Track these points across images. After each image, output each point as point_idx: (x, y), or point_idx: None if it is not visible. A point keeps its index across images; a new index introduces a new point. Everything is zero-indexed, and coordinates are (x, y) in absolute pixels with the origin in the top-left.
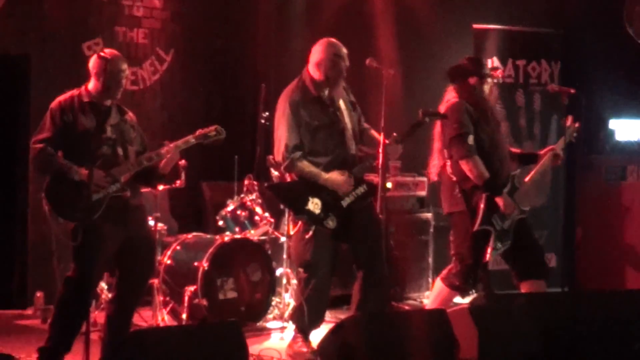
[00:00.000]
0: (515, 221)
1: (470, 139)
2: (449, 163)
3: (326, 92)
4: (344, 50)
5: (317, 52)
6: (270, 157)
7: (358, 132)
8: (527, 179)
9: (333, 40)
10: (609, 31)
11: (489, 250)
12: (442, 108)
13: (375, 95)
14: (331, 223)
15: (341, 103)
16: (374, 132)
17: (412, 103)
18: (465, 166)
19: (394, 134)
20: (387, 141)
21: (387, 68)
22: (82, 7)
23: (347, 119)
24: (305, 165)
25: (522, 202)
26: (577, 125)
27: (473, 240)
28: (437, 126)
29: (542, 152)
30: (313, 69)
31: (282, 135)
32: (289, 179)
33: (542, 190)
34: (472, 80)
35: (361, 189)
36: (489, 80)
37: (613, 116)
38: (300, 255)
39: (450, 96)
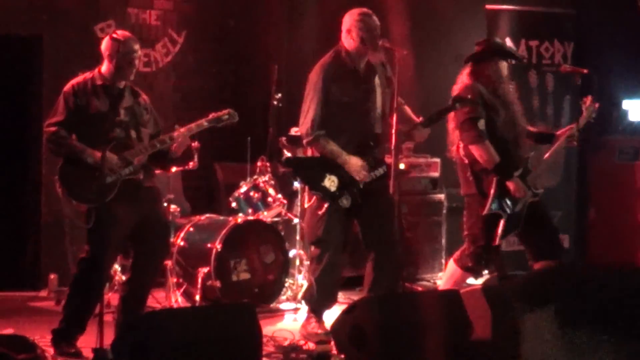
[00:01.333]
0: (528, 204)
1: (481, 124)
2: (461, 145)
3: (362, 63)
4: (370, 13)
5: (345, 21)
6: (283, 138)
7: (389, 109)
8: (543, 158)
9: (359, 8)
10: (622, 11)
11: (498, 234)
12: (456, 89)
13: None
14: (345, 202)
15: (376, 80)
16: (407, 109)
17: (425, 83)
18: (475, 151)
19: (420, 118)
20: (414, 117)
21: (400, 48)
22: None
23: (378, 97)
24: (328, 144)
25: (535, 184)
26: (597, 105)
27: (485, 222)
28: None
29: (559, 132)
30: (346, 40)
31: (310, 108)
32: (308, 153)
33: (554, 171)
34: (487, 62)
35: (380, 170)
36: (505, 62)
37: (626, 96)
38: (312, 231)
39: (464, 78)
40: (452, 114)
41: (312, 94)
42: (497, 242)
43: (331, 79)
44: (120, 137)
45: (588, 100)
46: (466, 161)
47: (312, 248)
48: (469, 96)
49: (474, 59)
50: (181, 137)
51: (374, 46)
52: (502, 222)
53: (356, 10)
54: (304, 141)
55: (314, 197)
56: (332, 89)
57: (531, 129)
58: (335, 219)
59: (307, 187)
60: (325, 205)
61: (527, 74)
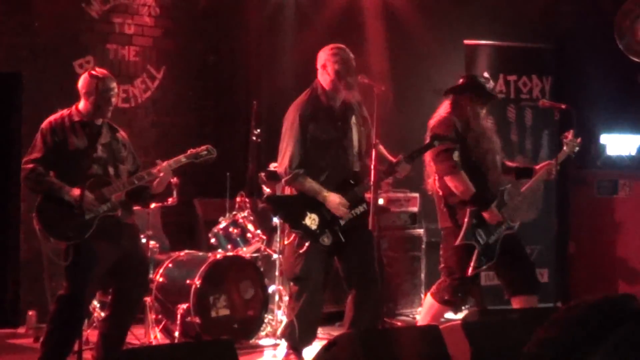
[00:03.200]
0: (502, 236)
1: (456, 155)
2: (436, 177)
3: (339, 101)
4: (346, 49)
5: (320, 58)
6: (263, 174)
7: (366, 148)
8: (520, 191)
9: (341, 45)
10: (600, 46)
11: (471, 265)
12: (432, 122)
13: (366, 112)
14: (326, 240)
15: (352, 118)
16: (383, 149)
17: (404, 118)
18: (450, 182)
19: (400, 156)
20: (390, 157)
21: (379, 84)
22: (73, 25)
23: (355, 135)
24: (307, 181)
25: (512, 216)
26: (579, 140)
27: (460, 253)
28: (426, 139)
29: (537, 166)
30: (322, 76)
31: (287, 147)
32: (287, 192)
33: (532, 204)
34: (466, 97)
35: (361, 208)
36: (485, 99)
37: (604, 131)
38: (291, 269)
39: (441, 110)
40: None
41: (289, 133)
42: (470, 272)
43: (308, 117)
44: (98, 174)
45: (569, 134)
46: (441, 193)
47: (291, 285)
48: (444, 129)
49: (454, 92)
50: (161, 173)
51: (350, 79)
52: (475, 253)
53: (329, 45)
54: (283, 180)
55: (294, 235)
56: (309, 127)
57: (510, 163)
58: (315, 257)
59: (287, 225)
60: (307, 244)
61: (506, 108)
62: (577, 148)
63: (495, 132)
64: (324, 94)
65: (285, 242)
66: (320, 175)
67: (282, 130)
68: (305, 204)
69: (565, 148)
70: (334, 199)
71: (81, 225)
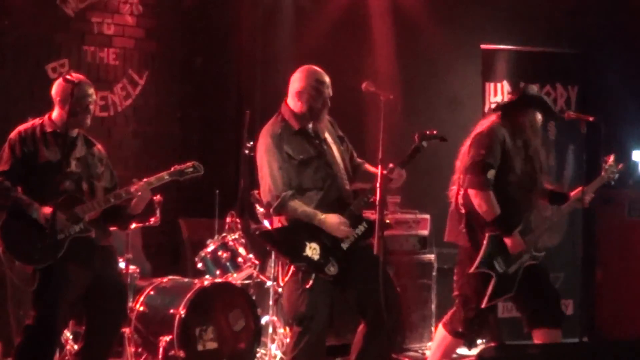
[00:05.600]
0: (525, 267)
1: (491, 173)
2: (461, 192)
3: (310, 125)
4: (327, 78)
5: (296, 81)
6: (256, 191)
7: (350, 167)
8: (546, 216)
9: (314, 67)
10: (631, 51)
11: (486, 295)
12: (478, 127)
13: (372, 123)
14: (332, 269)
15: (327, 136)
16: (369, 167)
17: (414, 131)
18: (474, 198)
19: (391, 164)
20: (385, 172)
21: (386, 92)
22: (47, 25)
23: (336, 152)
24: (298, 205)
25: (537, 245)
26: (620, 166)
27: (476, 282)
28: (466, 144)
29: (572, 193)
30: (293, 101)
31: (267, 173)
32: (278, 224)
33: (556, 228)
34: (524, 111)
35: (361, 228)
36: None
37: (637, 146)
38: (294, 307)
39: (492, 117)
40: (465, 151)
41: (266, 158)
42: (484, 304)
43: (280, 137)
44: (71, 191)
45: (610, 158)
46: (463, 211)
47: (294, 325)
48: (487, 142)
49: (506, 108)
50: (141, 191)
51: (320, 118)
52: (492, 283)
53: (313, 74)
54: (271, 210)
55: (293, 269)
56: (284, 148)
57: (547, 186)
58: (320, 292)
59: (288, 261)
60: (312, 279)
61: None
62: (616, 175)
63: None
64: (294, 117)
65: (285, 278)
66: (309, 199)
67: (257, 161)
68: (303, 233)
69: (603, 173)
70: (332, 220)
71: (50, 247)
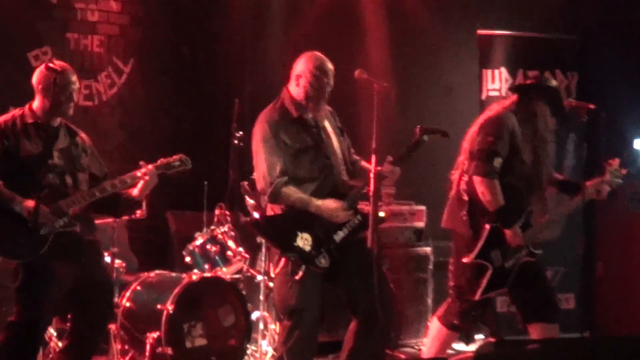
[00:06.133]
0: (521, 263)
1: (497, 161)
2: (465, 178)
3: (309, 113)
4: (329, 66)
5: (298, 65)
6: (245, 183)
7: (348, 160)
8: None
9: (317, 53)
10: (631, 38)
11: (481, 287)
12: (486, 114)
13: (365, 112)
14: (323, 261)
15: (327, 126)
16: (365, 164)
17: (409, 120)
18: (478, 185)
19: (389, 157)
20: (379, 167)
21: (380, 80)
22: (28, 11)
23: (335, 142)
24: (293, 192)
25: (534, 241)
26: (624, 171)
27: (471, 272)
28: (474, 127)
29: (588, 183)
30: (293, 86)
31: (262, 159)
32: (271, 212)
33: (556, 222)
34: (539, 99)
35: (355, 220)
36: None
37: (638, 135)
38: (284, 300)
39: (501, 105)
40: (474, 135)
41: (262, 144)
42: (477, 296)
43: (277, 124)
44: (54, 184)
45: (615, 162)
46: (465, 198)
47: (284, 319)
48: (499, 127)
49: (523, 90)
50: (147, 177)
51: (317, 106)
52: (487, 275)
53: (314, 59)
54: (266, 197)
55: (284, 261)
56: (281, 136)
57: (558, 176)
58: (311, 284)
59: (278, 250)
60: (302, 270)
61: None
62: (620, 181)
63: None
64: (293, 104)
65: (276, 270)
66: (306, 187)
67: (252, 147)
68: (295, 223)
69: (607, 176)
70: (329, 204)
71: (33, 242)
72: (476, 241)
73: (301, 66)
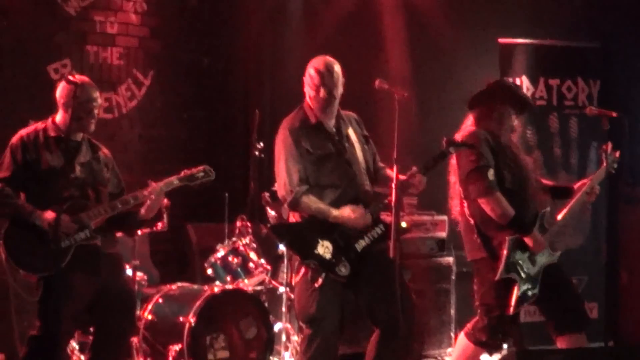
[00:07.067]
0: (544, 267)
1: (491, 173)
2: (465, 204)
3: (330, 120)
4: (330, 69)
5: (307, 69)
6: (266, 194)
7: (372, 169)
8: (558, 217)
9: (322, 56)
10: None
11: (512, 301)
12: (459, 136)
13: (386, 122)
14: (344, 270)
15: (351, 133)
16: (389, 172)
17: (429, 130)
18: (485, 205)
19: (414, 167)
20: (400, 176)
21: (400, 90)
22: (48, 23)
23: (358, 151)
24: (313, 201)
25: (553, 244)
26: (617, 154)
27: (499, 289)
28: (453, 157)
29: (576, 185)
30: (306, 93)
31: (283, 167)
32: (292, 219)
33: (578, 228)
34: (496, 107)
35: (378, 230)
36: (518, 107)
37: None
38: (304, 308)
39: (468, 123)
40: (453, 165)
41: (283, 152)
42: (511, 310)
43: (298, 131)
44: (76, 197)
45: (608, 147)
46: (472, 222)
47: (304, 328)
48: (474, 143)
49: (478, 102)
50: (153, 196)
51: (322, 107)
52: (516, 288)
53: (315, 60)
54: (286, 205)
55: (304, 269)
56: (302, 143)
57: (546, 182)
58: (331, 293)
59: (297, 257)
60: (321, 278)
61: (548, 117)
62: (615, 164)
63: (536, 145)
64: (311, 110)
65: (296, 278)
66: (327, 196)
67: (274, 154)
68: (316, 230)
69: (605, 164)
70: (348, 213)
71: (54, 255)
72: (495, 260)
73: (307, 70)
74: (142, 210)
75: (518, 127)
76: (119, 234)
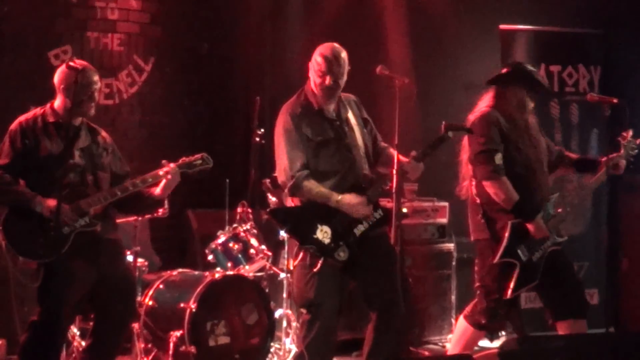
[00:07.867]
0: (548, 253)
1: (498, 157)
2: (473, 183)
3: (330, 106)
4: (337, 54)
5: (313, 55)
6: (267, 180)
7: (372, 151)
8: (567, 201)
9: (328, 43)
10: None
11: (511, 285)
12: (472, 117)
13: (387, 108)
14: (342, 254)
15: (350, 117)
16: (393, 151)
17: (430, 116)
18: (489, 188)
19: (413, 152)
20: (402, 160)
21: (401, 76)
22: (48, 10)
23: (358, 135)
24: (314, 185)
25: (559, 230)
26: (638, 141)
27: (498, 272)
28: (465, 137)
29: (603, 159)
30: (310, 78)
31: (284, 152)
32: (291, 204)
33: (579, 215)
34: (512, 88)
35: (376, 215)
36: (535, 91)
37: None
38: (302, 293)
39: (482, 104)
40: (465, 143)
41: (282, 136)
42: (509, 294)
43: (299, 116)
44: (75, 183)
45: (628, 134)
46: (478, 201)
47: (303, 312)
48: (484, 125)
49: (498, 82)
50: (169, 176)
51: (326, 95)
52: (516, 272)
53: (320, 48)
54: (286, 189)
55: (302, 253)
56: (302, 128)
57: (570, 155)
58: (329, 277)
59: (295, 242)
60: (320, 262)
61: (549, 103)
62: (635, 151)
63: (540, 131)
64: (314, 97)
65: (294, 263)
66: (327, 181)
67: (274, 139)
68: (315, 215)
69: (622, 151)
70: (350, 200)
71: (54, 242)
72: (497, 242)
73: (314, 56)
74: (159, 190)
75: (531, 110)
76: (119, 220)
